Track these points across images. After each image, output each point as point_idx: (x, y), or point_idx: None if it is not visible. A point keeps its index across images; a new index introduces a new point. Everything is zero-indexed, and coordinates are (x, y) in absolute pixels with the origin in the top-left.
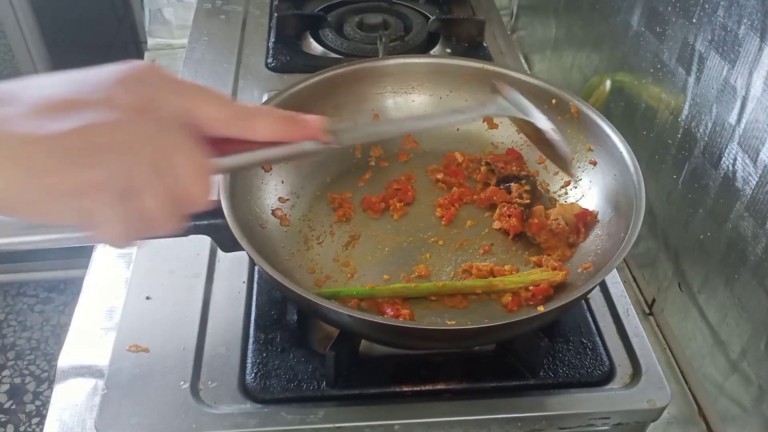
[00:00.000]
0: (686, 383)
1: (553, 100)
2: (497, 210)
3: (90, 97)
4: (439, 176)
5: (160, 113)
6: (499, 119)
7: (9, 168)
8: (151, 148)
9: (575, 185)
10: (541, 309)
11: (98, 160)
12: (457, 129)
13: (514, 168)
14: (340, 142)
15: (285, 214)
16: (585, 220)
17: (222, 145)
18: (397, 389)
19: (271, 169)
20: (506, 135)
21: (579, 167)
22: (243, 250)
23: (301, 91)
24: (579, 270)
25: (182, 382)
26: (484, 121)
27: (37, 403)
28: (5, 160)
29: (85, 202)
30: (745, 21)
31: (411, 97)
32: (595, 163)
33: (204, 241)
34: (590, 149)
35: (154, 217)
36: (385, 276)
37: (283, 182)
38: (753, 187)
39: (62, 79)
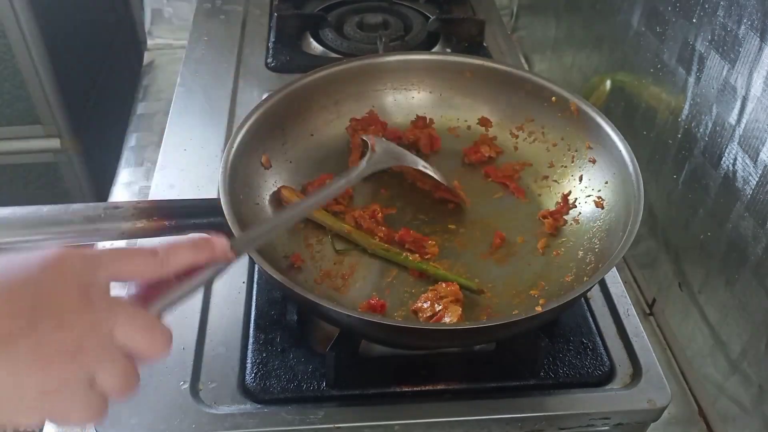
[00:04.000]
0: (686, 383)
1: (553, 98)
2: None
3: (39, 301)
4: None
5: (94, 290)
6: (494, 117)
7: None
8: (98, 333)
9: (569, 181)
10: (539, 309)
11: (68, 358)
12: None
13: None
14: (241, 251)
15: None
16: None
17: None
18: (397, 389)
19: (270, 166)
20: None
21: (578, 165)
22: None
23: (301, 88)
24: (562, 280)
25: (182, 383)
26: (478, 123)
27: None
28: None
29: (57, 398)
30: (745, 21)
31: (411, 94)
32: (594, 161)
33: None
34: (589, 147)
35: (120, 389)
36: (386, 274)
37: (282, 180)
38: (753, 187)
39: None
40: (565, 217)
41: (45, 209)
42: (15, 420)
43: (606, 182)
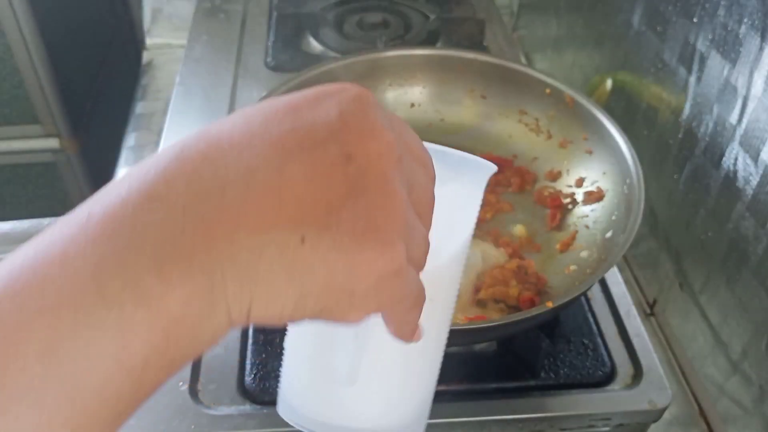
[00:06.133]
0: (687, 384)
1: (547, 90)
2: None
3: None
4: None
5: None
6: (491, 111)
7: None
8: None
9: (567, 174)
10: (543, 306)
11: (400, 226)
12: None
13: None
14: None
15: None
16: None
17: None
18: None
19: None
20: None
21: (575, 157)
22: None
23: (301, 86)
24: (566, 272)
25: (181, 383)
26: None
27: None
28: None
29: (397, 282)
30: (745, 20)
31: (411, 89)
32: (591, 152)
33: None
34: (585, 138)
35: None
36: None
37: None
38: (754, 187)
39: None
40: (564, 215)
41: (46, 222)
42: (342, 318)
43: (604, 172)
